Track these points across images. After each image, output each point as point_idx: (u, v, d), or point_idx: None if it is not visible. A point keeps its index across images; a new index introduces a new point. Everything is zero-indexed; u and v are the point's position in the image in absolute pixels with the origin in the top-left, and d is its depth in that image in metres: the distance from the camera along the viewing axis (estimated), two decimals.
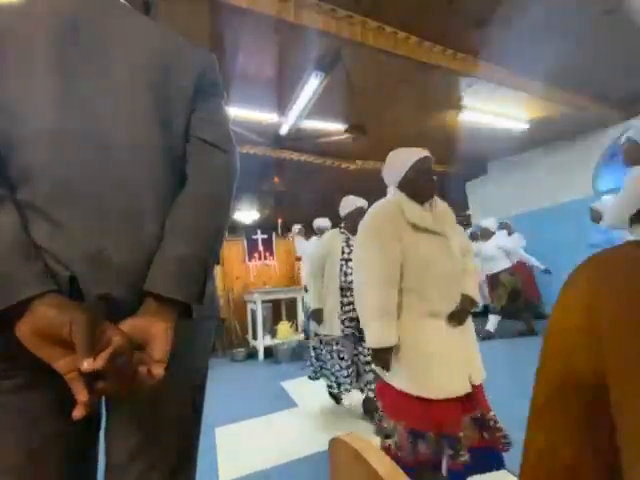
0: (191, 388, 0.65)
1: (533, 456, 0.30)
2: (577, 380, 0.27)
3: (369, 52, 2.43)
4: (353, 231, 2.24)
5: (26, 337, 0.43)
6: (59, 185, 0.51)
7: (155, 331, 0.50)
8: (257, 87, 2.95)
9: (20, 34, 0.54)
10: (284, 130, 3.60)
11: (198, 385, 0.67)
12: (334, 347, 2.27)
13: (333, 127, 3.79)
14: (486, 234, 4.47)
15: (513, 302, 4.16)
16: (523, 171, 5.43)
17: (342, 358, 2.22)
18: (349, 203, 2.39)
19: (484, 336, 4.15)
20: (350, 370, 2.19)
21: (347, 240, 2.31)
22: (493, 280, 4.32)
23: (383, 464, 0.37)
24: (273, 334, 4.61)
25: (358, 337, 2.20)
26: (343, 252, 2.25)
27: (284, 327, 4.54)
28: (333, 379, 2.30)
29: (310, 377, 2.50)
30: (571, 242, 4.32)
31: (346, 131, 3.85)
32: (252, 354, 4.46)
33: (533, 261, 4.45)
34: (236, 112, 3.17)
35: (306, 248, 3.75)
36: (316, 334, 2.42)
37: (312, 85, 2.75)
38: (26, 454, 0.49)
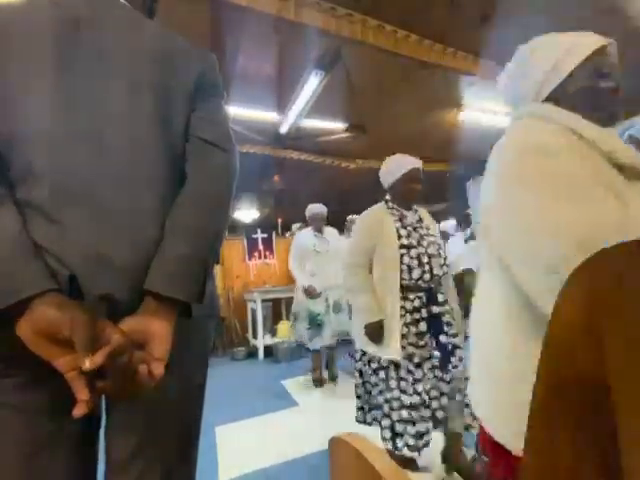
0: (191, 387, 0.65)
1: (533, 456, 0.30)
2: (578, 380, 0.27)
3: (369, 51, 2.43)
4: (406, 205, 1.66)
5: (27, 336, 0.43)
6: (59, 185, 0.51)
7: (155, 330, 0.50)
8: (257, 86, 2.94)
9: (21, 34, 0.54)
10: (284, 129, 3.60)
11: (198, 384, 0.67)
12: (393, 374, 1.50)
13: (333, 126, 3.79)
14: (444, 237, 4.59)
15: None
16: None
17: (410, 392, 1.46)
18: (397, 165, 1.64)
19: None
20: (421, 413, 1.44)
21: (401, 218, 1.61)
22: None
23: (383, 463, 0.37)
24: (273, 333, 4.61)
25: (439, 358, 1.49)
26: (400, 236, 1.55)
27: (284, 326, 4.53)
28: (390, 422, 1.50)
29: (358, 420, 1.72)
30: None
31: (346, 130, 3.85)
32: (252, 353, 4.46)
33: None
34: (236, 111, 3.16)
35: (299, 241, 3.09)
36: (363, 352, 1.65)
37: (312, 84, 2.74)
38: (26, 453, 0.49)
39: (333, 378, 3.10)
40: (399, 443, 1.46)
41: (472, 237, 5.05)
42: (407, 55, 2.47)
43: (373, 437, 1.71)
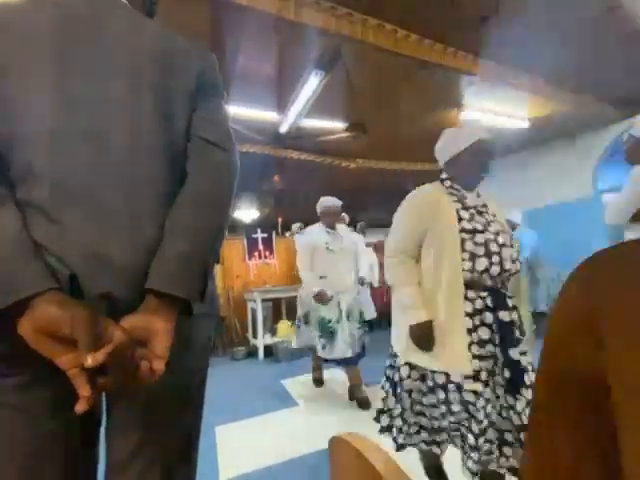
0: (191, 387, 0.65)
1: (534, 456, 0.30)
2: (578, 380, 0.27)
3: (369, 50, 2.42)
4: (469, 184, 1.33)
5: (28, 334, 0.43)
6: (59, 185, 0.51)
7: (156, 328, 0.50)
8: (257, 85, 2.94)
9: (21, 34, 0.54)
10: (284, 129, 3.59)
11: (198, 384, 0.67)
12: (452, 395, 1.18)
13: (333, 126, 3.78)
14: None
15: None
16: (523, 170, 5.43)
17: (480, 417, 1.12)
18: (461, 135, 1.32)
19: None
20: (487, 437, 1.13)
21: (461, 199, 1.29)
22: None
23: (384, 463, 0.37)
24: (273, 333, 4.61)
25: (508, 379, 1.16)
26: (461, 218, 1.23)
27: (284, 326, 4.54)
28: (462, 441, 1.20)
29: (382, 428, 1.38)
30: (571, 241, 4.31)
31: (346, 130, 3.84)
32: (252, 353, 4.47)
33: None
34: (236, 110, 3.16)
35: (309, 239, 2.73)
36: (411, 366, 1.28)
37: (312, 83, 2.74)
38: (26, 453, 0.49)
39: (366, 404, 2.48)
40: (468, 463, 1.19)
41: None
42: (407, 55, 2.47)
43: (374, 437, 1.70)
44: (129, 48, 0.60)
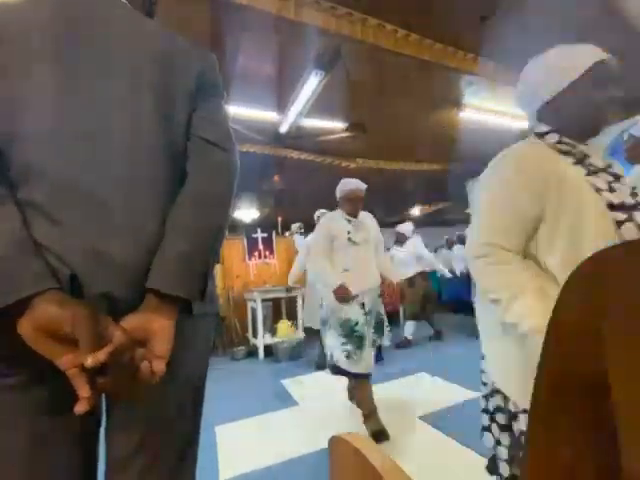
0: (191, 386, 0.65)
1: (533, 455, 0.30)
2: (578, 380, 0.27)
3: (369, 50, 2.43)
4: (588, 132, 0.87)
5: (28, 334, 0.43)
6: (59, 184, 0.51)
7: (156, 328, 0.50)
8: (257, 86, 2.94)
9: (21, 33, 0.54)
10: (284, 128, 3.59)
11: (198, 383, 0.67)
12: None
13: (333, 125, 3.78)
14: (401, 239, 4.54)
15: (423, 307, 4.34)
16: None
17: None
18: (568, 62, 0.89)
19: (400, 344, 4.21)
20: None
21: (581, 159, 0.83)
22: (408, 284, 4.48)
23: (383, 463, 0.37)
24: (273, 332, 4.61)
25: None
26: (597, 189, 0.77)
27: (284, 325, 4.54)
28: None
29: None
30: None
31: (346, 129, 3.84)
32: (252, 352, 4.47)
33: (440, 267, 4.76)
34: (236, 110, 3.16)
35: (327, 227, 2.23)
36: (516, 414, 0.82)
37: (312, 83, 2.74)
38: (27, 452, 0.49)
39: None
40: None
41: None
42: (407, 55, 2.47)
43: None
44: (129, 48, 0.60)
